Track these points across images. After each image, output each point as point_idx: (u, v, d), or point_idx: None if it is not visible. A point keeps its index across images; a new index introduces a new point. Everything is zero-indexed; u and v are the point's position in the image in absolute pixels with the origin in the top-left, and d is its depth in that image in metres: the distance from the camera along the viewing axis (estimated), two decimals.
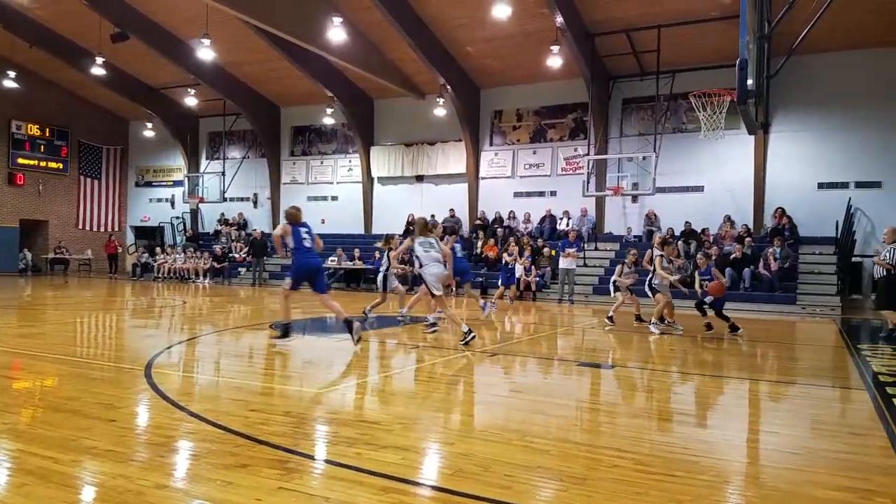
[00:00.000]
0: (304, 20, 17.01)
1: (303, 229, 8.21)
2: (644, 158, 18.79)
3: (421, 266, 9.04)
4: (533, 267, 18.23)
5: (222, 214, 26.53)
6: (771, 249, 16.70)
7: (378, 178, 24.02)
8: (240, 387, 5.93)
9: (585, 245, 19.71)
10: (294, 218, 8.23)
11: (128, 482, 3.28)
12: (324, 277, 8.50)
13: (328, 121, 23.75)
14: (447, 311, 9.11)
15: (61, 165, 26.68)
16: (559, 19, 16.56)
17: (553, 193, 21.29)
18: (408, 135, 23.21)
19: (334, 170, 25.03)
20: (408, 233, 22.53)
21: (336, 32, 16.28)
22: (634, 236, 19.80)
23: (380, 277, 11.38)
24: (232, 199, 26.24)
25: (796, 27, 11.48)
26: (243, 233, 25.17)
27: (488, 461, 3.71)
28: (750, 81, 8.42)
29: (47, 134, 26.14)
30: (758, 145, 18.23)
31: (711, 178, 19.11)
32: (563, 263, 17.46)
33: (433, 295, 9.02)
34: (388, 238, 12.25)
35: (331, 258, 21.14)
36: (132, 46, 20.08)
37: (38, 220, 26.17)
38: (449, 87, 20.44)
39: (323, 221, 24.41)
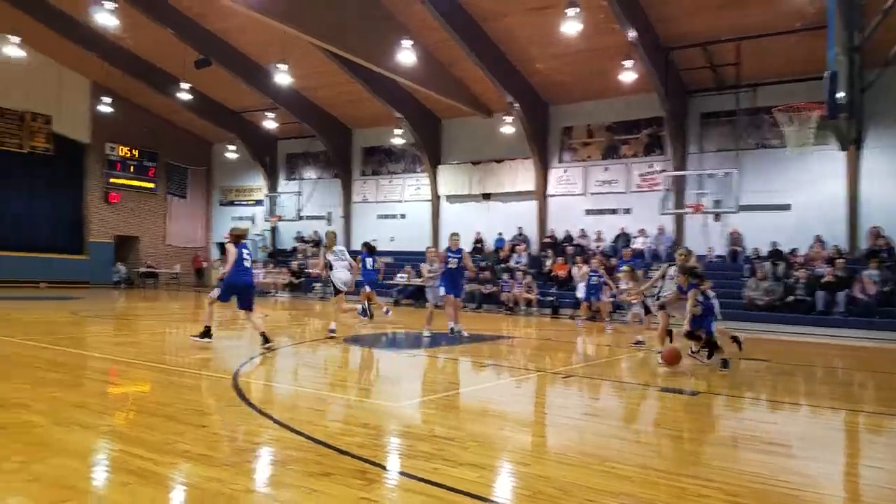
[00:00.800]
0: (375, 44, 17.47)
1: (244, 249, 8.83)
2: (726, 175, 18.16)
3: (332, 270, 10.86)
4: (606, 286, 17.86)
5: (298, 232, 27.41)
6: (867, 272, 15.74)
7: (445, 196, 24.26)
8: (320, 397, 6.10)
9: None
10: (239, 237, 8.88)
11: (220, 485, 3.44)
12: (252, 295, 9.11)
13: (397, 141, 24.25)
14: (342, 307, 10.98)
15: (151, 185, 28.27)
16: (631, 34, 16.36)
17: (627, 211, 20.89)
18: (475, 153, 23.37)
19: (403, 188, 25.48)
20: (476, 251, 22.67)
21: (406, 55, 16.65)
22: (717, 256, 19.13)
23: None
24: (308, 218, 27.09)
25: (892, 37, 10.93)
26: (317, 249, 25.93)
27: (567, 485, 3.67)
28: (841, 94, 8.06)
29: (138, 156, 27.78)
30: (850, 162, 17.30)
31: (799, 196, 18.23)
32: (623, 283, 16.89)
33: (337, 292, 10.95)
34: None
35: (399, 275, 21.45)
36: (215, 73, 21.16)
37: (131, 236, 27.77)
38: (517, 104, 20.50)
39: (392, 239, 24.82)
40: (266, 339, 8.63)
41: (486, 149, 23.03)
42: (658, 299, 9.55)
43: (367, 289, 13.96)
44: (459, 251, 11.23)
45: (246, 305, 8.99)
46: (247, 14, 15.65)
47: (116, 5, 15.64)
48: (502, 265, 21.00)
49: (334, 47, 17.24)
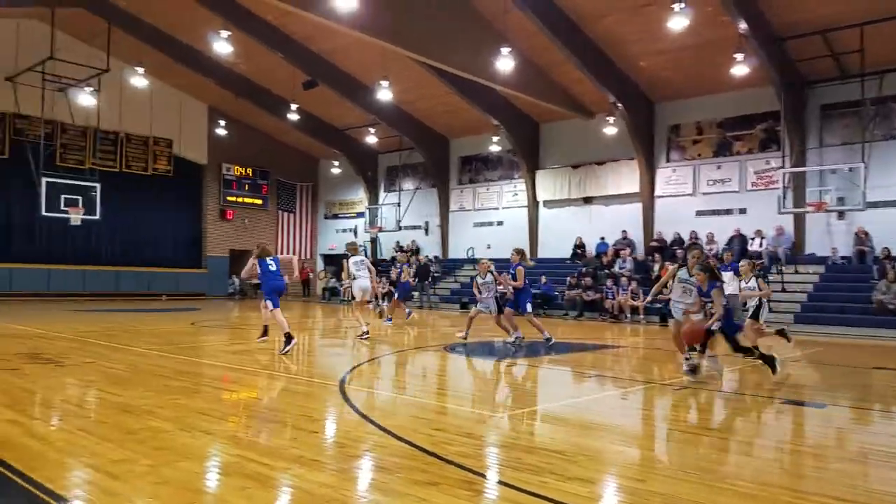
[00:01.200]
0: (473, 54, 17.58)
1: (268, 259, 10.09)
2: (851, 170, 16.78)
3: (353, 279, 11.69)
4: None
5: (397, 242, 28.00)
6: None
7: (544, 201, 23.95)
8: (423, 405, 6.14)
9: (784, 267, 18.00)
10: (262, 254, 10.14)
11: (332, 491, 3.51)
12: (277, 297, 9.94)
13: (494, 148, 24.23)
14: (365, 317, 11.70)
15: (262, 201, 29.87)
16: (742, 26, 15.51)
17: (742, 211, 19.74)
18: (575, 156, 22.94)
19: (500, 195, 25.42)
20: (576, 256, 22.17)
21: (504, 62, 16.63)
22: (842, 258, 17.71)
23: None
24: (406, 228, 27.62)
25: None
26: (414, 258, 26.34)
27: (683, 502, 3.46)
28: None
29: (251, 174, 29.45)
30: None
31: None
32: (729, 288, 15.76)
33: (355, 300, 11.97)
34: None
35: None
36: (321, 92, 22.06)
37: (244, 249, 29.38)
38: (620, 104, 19.93)
39: (489, 247, 24.79)
40: (288, 341, 9.22)
41: (586, 151, 22.56)
42: (668, 304, 8.63)
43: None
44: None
45: (276, 304, 9.76)
46: (350, 34, 16.24)
47: (231, 33, 16.70)
48: (605, 271, 20.43)
49: (433, 60, 17.56)
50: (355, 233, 30.03)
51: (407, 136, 25.52)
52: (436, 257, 26.29)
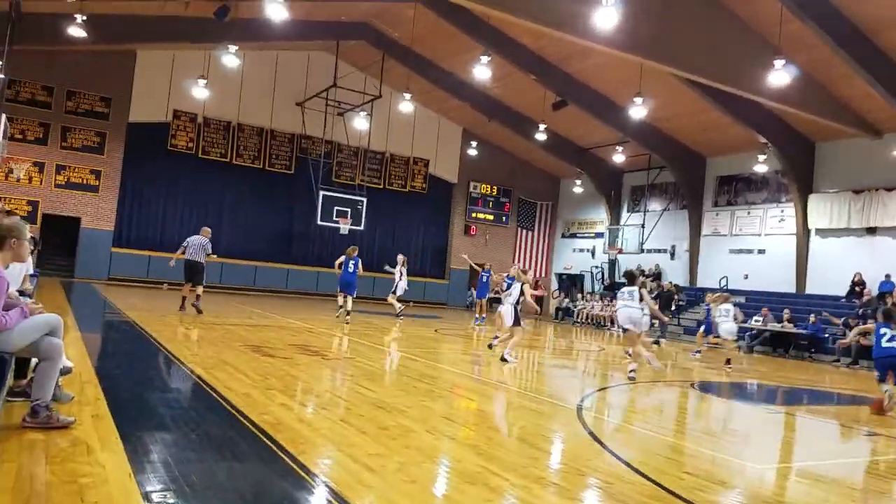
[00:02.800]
0: (741, 67, 16.19)
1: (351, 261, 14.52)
2: None
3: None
4: None
5: (639, 265, 26.78)
6: None
7: (816, 229, 21.04)
8: (666, 444, 5.65)
9: None
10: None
11: None
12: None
13: (760, 168, 21.97)
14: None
15: (504, 219, 30.85)
16: None
17: None
18: (857, 180, 19.81)
19: (763, 220, 22.93)
20: (853, 294, 19.14)
21: (778, 76, 15.01)
22: None
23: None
24: (649, 251, 26.33)
25: None
26: (656, 283, 24.92)
27: None
28: None
29: (495, 192, 30.60)
30: None
31: None
32: None
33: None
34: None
35: (755, 318, 19.24)
36: (569, 112, 22.10)
37: (482, 265, 30.58)
38: None
39: (746, 277, 22.50)
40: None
41: (872, 174, 19.40)
42: None
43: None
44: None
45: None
46: (606, 53, 16.00)
47: (490, 58, 17.52)
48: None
49: (695, 75, 16.52)
50: (593, 253, 29.47)
51: (657, 155, 24.39)
52: (676, 285, 24.68)
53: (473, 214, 29.99)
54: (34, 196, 21.39)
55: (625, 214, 27.92)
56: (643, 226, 26.00)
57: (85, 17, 16.71)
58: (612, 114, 22.18)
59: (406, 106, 22.42)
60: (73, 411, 4.41)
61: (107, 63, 21.95)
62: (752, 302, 20.78)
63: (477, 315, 18.97)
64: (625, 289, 10.22)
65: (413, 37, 20.35)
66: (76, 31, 16.89)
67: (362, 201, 24.39)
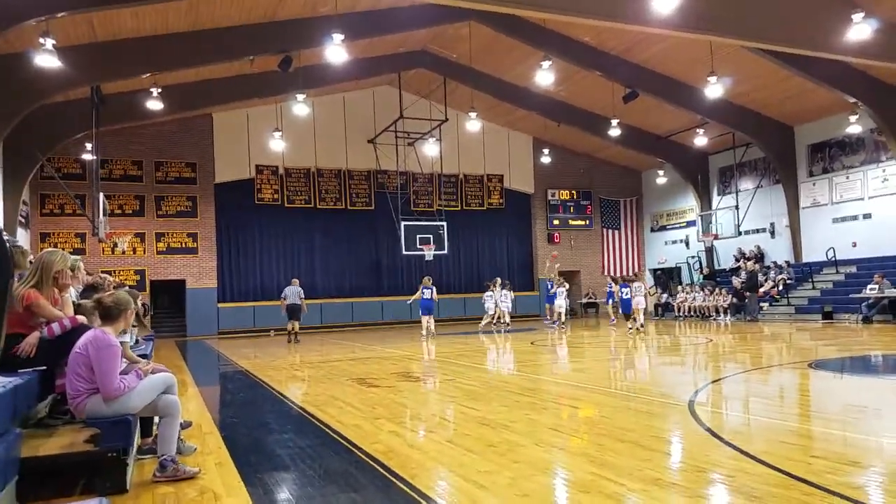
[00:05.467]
0: (814, 28, 15.24)
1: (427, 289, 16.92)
2: None
3: None
4: None
5: (739, 249, 25.56)
6: None
7: None
8: (788, 429, 5.33)
9: None
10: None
11: None
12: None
13: (853, 130, 20.55)
14: None
15: (586, 221, 30.24)
16: None
17: None
18: None
19: (864, 184, 21.35)
20: None
21: (858, 30, 14.06)
22: None
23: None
24: (747, 232, 25.06)
25: None
26: (758, 266, 23.65)
27: None
28: None
29: (574, 196, 30.10)
30: None
31: None
32: None
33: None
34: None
35: (870, 286, 17.88)
36: (640, 102, 21.52)
37: (572, 270, 30.07)
38: None
39: (854, 245, 21.01)
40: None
41: None
42: None
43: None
44: None
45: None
46: (672, 36, 15.54)
47: (551, 63, 17.40)
48: None
49: (769, 44, 15.71)
50: (687, 243, 28.38)
51: (741, 132, 23.29)
52: (787, 262, 23.31)
53: (555, 222, 29.63)
54: (140, 265, 22.98)
55: (716, 198, 26.76)
56: (737, 207, 24.80)
57: (160, 90, 17.96)
58: (686, 97, 21.42)
59: (473, 124, 22.58)
60: (198, 461, 4.68)
61: (186, 130, 23.49)
62: (863, 270, 19.38)
63: (549, 318, 21.90)
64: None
65: (471, 55, 20.53)
66: (154, 104, 18.16)
67: (442, 226, 24.67)
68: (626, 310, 18.44)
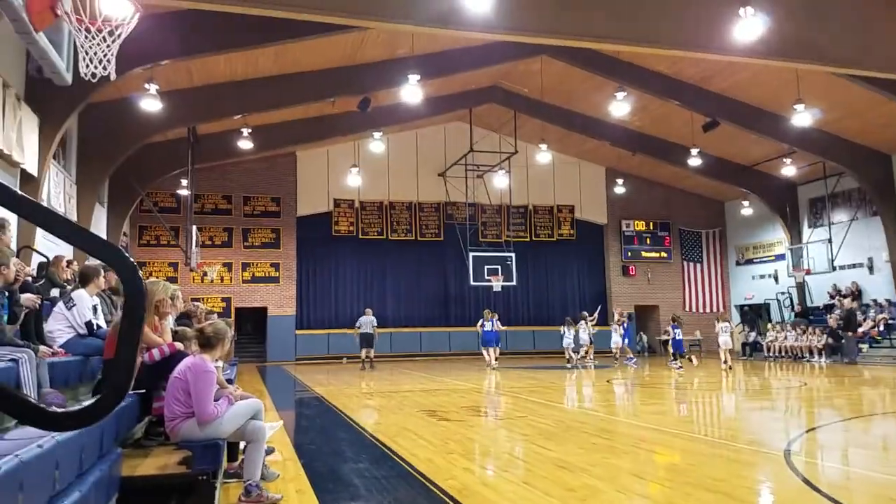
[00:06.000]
0: None
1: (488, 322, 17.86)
2: None
3: None
4: None
5: (834, 285, 24.04)
6: None
7: None
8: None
9: None
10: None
11: None
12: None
13: None
14: None
15: (665, 254, 29.30)
16: None
17: None
18: None
19: None
20: None
21: None
22: None
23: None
24: (842, 267, 23.60)
25: None
26: (856, 304, 22.16)
27: None
28: None
29: (651, 227, 29.29)
30: None
31: None
32: None
33: None
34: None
35: None
36: (722, 131, 20.86)
37: (649, 305, 29.11)
38: None
39: None
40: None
41: None
42: None
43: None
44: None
45: None
46: (754, 65, 15.06)
47: (625, 93, 17.19)
48: None
49: (857, 70, 14.94)
50: (776, 278, 26.99)
51: (833, 161, 22.10)
52: (888, 301, 21.78)
53: (630, 254, 28.88)
54: (226, 293, 24.00)
55: (806, 231, 25.43)
56: (830, 241, 23.46)
57: (250, 130, 19.08)
58: (771, 125, 20.60)
59: (543, 156, 22.49)
60: (280, 488, 4.75)
61: (272, 167, 24.61)
62: None
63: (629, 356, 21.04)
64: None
65: (542, 88, 20.56)
66: (244, 144, 19.31)
67: (511, 257, 24.54)
68: (679, 349, 18.72)
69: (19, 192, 1.77)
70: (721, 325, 17.98)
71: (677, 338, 18.55)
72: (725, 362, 17.22)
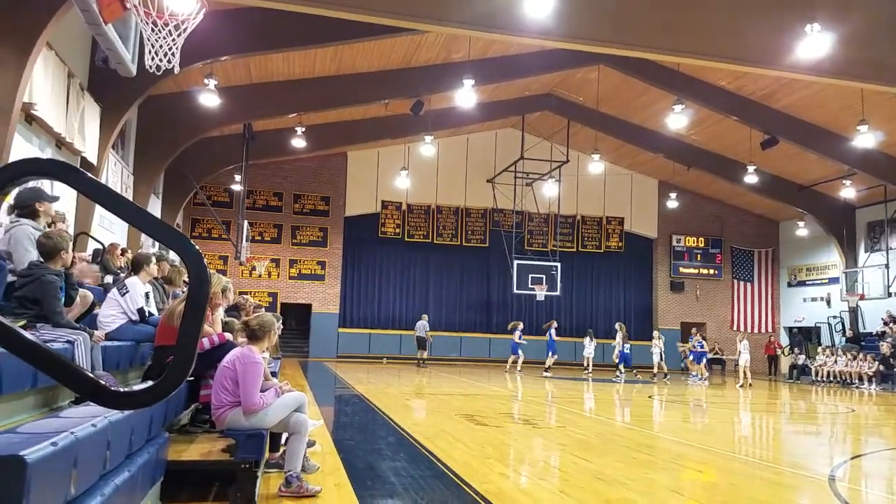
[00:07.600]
0: None
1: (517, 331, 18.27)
2: None
3: None
4: None
5: (888, 312, 23.12)
6: None
7: None
8: None
9: None
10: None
11: None
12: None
13: None
14: None
15: (715, 271, 28.63)
16: None
17: None
18: None
19: None
20: None
21: None
22: None
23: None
24: None
25: None
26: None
27: None
28: None
29: (702, 244, 28.66)
30: None
31: None
32: None
33: None
34: None
35: None
36: (780, 149, 20.33)
37: (697, 322, 28.45)
38: None
39: None
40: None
41: None
42: None
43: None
44: None
45: None
46: (818, 82, 14.65)
47: (683, 106, 16.91)
48: None
49: None
50: (828, 302, 26.11)
51: (894, 185, 21.35)
52: None
53: (680, 269, 28.33)
54: (273, 288, 24.51)
55: (863, 255, 24.55)
56: (887, 266, 22.61)
57: (304, 129, 19.45)
58: (832, 145, 19.99)
59: (595, 167, 22.28)
60: (319, 480, 4.87)
61: (323, 166, 25.04)
62: None
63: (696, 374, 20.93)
64: None
65: (598, 98, 20.39)
66: (297, 142, 19.72)
67: (556, 266, 24.35)
68: (627, 362, 20.01)
69: (98, 180, 1.87)
70: (742, 343, 18.28)
71: (625, 351, 19.88)
72: (746, 379, 17.70)
